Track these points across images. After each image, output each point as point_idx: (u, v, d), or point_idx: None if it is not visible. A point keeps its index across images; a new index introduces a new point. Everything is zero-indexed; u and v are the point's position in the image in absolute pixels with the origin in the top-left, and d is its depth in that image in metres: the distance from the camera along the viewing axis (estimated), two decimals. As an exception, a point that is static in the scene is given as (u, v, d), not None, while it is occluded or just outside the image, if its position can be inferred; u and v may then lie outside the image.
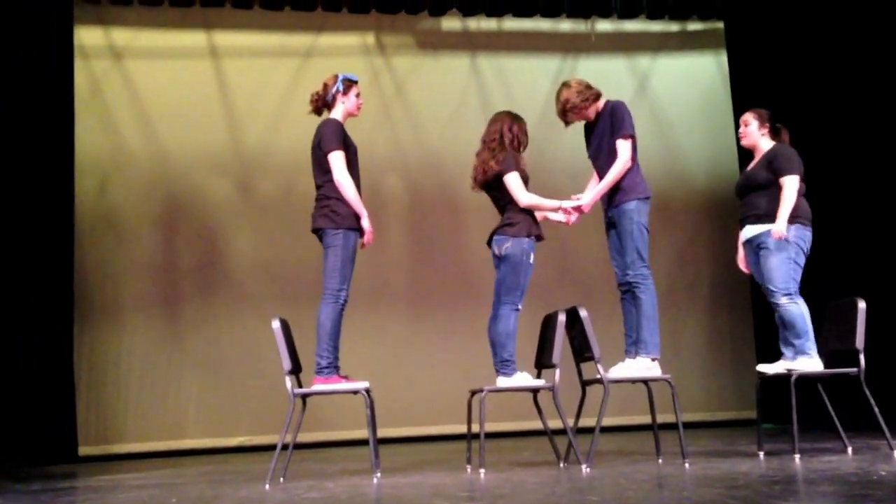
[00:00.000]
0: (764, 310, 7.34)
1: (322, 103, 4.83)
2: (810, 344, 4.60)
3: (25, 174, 6.45)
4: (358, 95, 4.84)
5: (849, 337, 4.60)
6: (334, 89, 4.79)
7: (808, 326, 4.60)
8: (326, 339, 4.54)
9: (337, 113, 4.80)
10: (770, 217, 4.68)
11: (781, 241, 4.60)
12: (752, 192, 4.82)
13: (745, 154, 7.52)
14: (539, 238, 4.69)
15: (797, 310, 4.59)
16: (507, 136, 4.72)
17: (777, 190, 4.70)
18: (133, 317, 7.07)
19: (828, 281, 6.76)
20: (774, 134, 4.93)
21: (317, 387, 4.56)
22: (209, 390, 7.12)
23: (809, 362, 4.59)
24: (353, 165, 4.72)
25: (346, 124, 4.81)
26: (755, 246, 4.77)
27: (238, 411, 7.08)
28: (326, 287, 4.61)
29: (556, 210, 4.74)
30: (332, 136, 4.65)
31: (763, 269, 4.69)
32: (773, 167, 4.74)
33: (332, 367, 4.55)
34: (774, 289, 4.61)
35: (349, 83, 4.81)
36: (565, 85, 4.91)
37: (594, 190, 4.79)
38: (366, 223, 4.68)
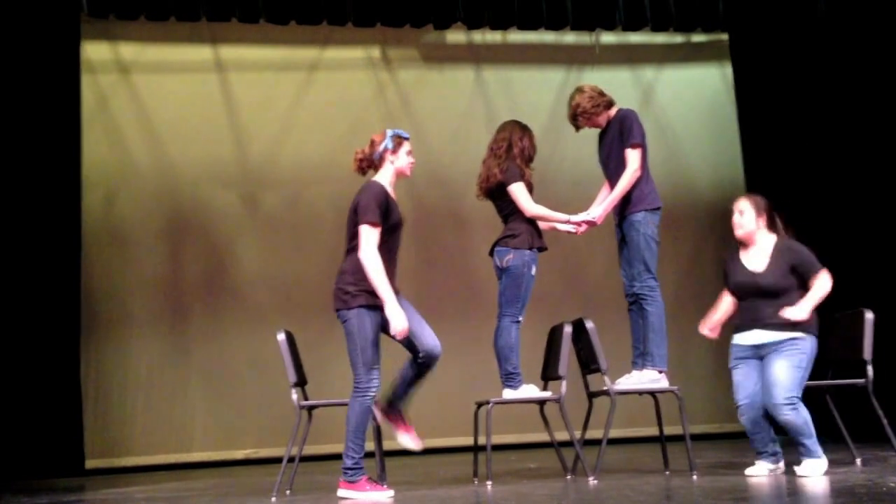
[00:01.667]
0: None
1: (368, 163, 4.31)
2: (818, 447, 4.22)
3: (33, 188, 6.48)
4: (410, 153, 4.31)
5: (856, 347, 4.59)
6: (382, 147, 4.28)
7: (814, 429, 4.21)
8: (352, 436, 4.09)
9: (385, 174, 4.29)
10: (791, 327, 4.21)
11: (798, 352, 4.20)
12: (761, 298, 4.31)
13: (751, 166, 7.58)
14: (542, 249, 4.68)
15: (801, 417, 4.17)
16: (515, 147, 4.70)
17: (795, 297, 4.26)
18: (139, 330, 7.08)
19: (834, 291, 6.76)
20: (772, 225, 4.44)
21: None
22: (215, 403, 7.12)
23: (819, 466, 4.19)
24: (394, 237, 4.22)
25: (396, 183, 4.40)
26: (759, 351, 4.31)
27: (244, 424, 7.08)
28: (354, 379, 4.13)
29: (564, 223, 4.72)
30: (371, 205, 4.07)
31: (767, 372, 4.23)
32: (800, 271, 4.29)
33: (359, 469, 4.10)
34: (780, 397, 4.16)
35: (399, 140, 4.31)
36: (578, 90, 4.92)
37: (604, 203, 4.78)
38: (389, 310, 4.06)
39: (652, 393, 4.75)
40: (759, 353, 4.31)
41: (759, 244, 4.40)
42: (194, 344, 7.17)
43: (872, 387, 4.54)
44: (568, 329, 4.54)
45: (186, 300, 7.25)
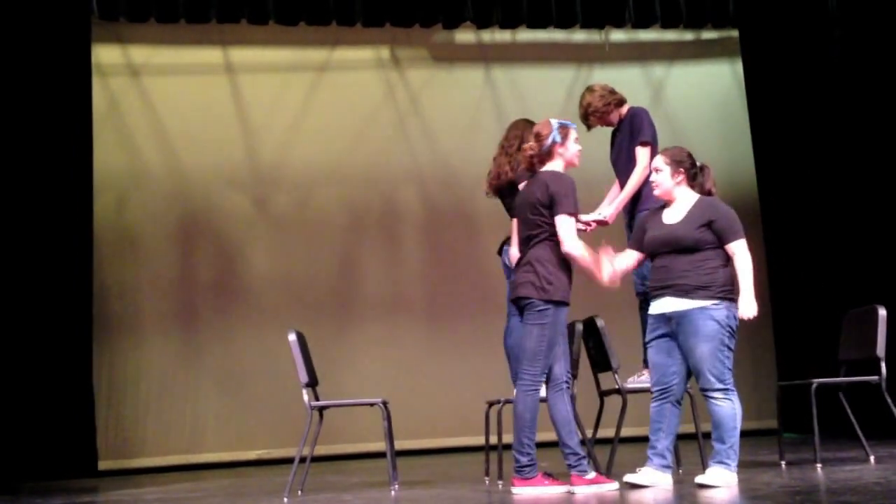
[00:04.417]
0: (783, 319, 7.32)
1: (539, 157, 4.15)
2: (732, 454, 3.91)
3: (45, 191, 6.50)
4: (577, 140, 4.20)
5: (869, 345, 4.56)
6: (550, 140, 4.13)
7: (738, 431, 3.91)
8: (527, 432, 3.97)
9: (555, 167, 4.16)
10: (703, 291, 3.94)
11: (716, 325, 3.91)
12: (672, 255, 4.03)
13: (762, 163, 7.54)
14: None
15: (731, 410, 3.90)
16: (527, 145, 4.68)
17: (709, 257, 3.98)
18: (151, 332, 7.11)
19: (845, 288, 6.72)
20: (692, 179, 4.14)
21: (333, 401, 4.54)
22: (227, 404, 7.14)
23: (722, 476, 3.87)
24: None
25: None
26: (674, 322, 4.01)
27: (256, 425, 7.09)
28: (525, 371, 3.98)
29: (578, 222, 4.70)
30: (569, 195, 4.00)
31: (690, 355, 3.96)
32: (715, 228, 3.99)
33: (533, 465, 3.97)
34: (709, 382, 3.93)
35: (566, 130, 4.17)
36: (589, 89, 4.91)
37: (615, 202, 4.76)
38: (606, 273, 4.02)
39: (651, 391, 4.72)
40: (672, 327, 3.99)
41: (680, 200, 4.11)
42: (206, 345, 7.20)
43: (886, 384, 4.50)
44: (579, 327, 4.52)
45: (198, 302, 7.27)
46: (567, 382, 4.05)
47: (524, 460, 3.94)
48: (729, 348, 3.94)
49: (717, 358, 3.91)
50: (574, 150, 4.18)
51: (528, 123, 4.78)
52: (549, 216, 4.01)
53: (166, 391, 7.05)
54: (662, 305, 4.04)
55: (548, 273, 3.97)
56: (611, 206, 4.75)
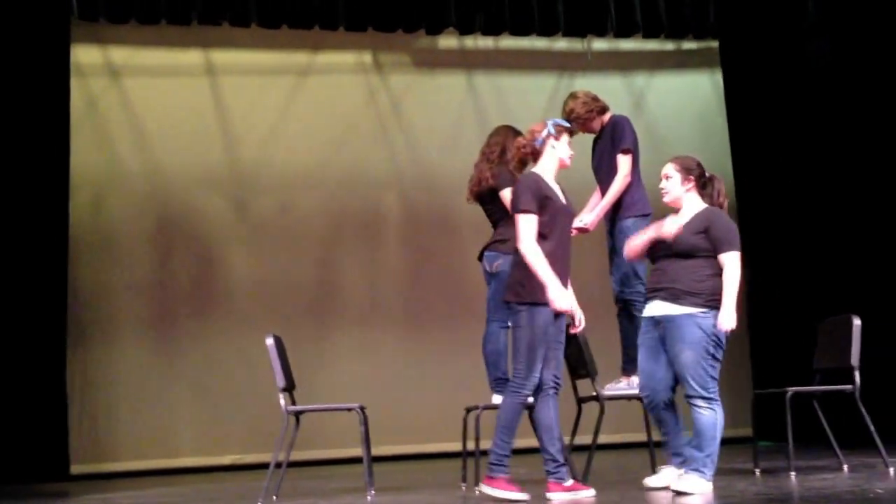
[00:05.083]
0: (759, 327, 7.37)
1: (531, 152, 4.14)
2: (710, 463, 3.91)
3: (20, 190, 6.44)
4: (570, 144, 4.19)
5: (844, 354, 4.59)
6: (545, 133, 4.11)
7: (718, 440, 3.92)
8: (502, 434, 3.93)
9: (546, 164, 4.12)
10: (691, 297, 3.97)
11: (701, 333, 3.94)
12: (668, 259, 4.08)
13: (740, 173, 7.60)
14: None
15: (712, 418, 3.93)
16: (509, 152, 4.68)
17: (702, 265, 4.01)
18: (126, 335, 7.04)
19: (821, 297, 6.78)
20: (702, 189, 4.18)
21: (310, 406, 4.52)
22: (203, 408, 7.08)
23: (696, 484, 3.87)
24: (560, 227, 4.03)
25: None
26: (662, 327, 4.06)
27: (232, 429, 7.04)
28: (514, 374, 3.95)
29: None
30: (522, 193, 3.96)
31: (675, 361, 4.00)
32: (711, 237, 4.01)
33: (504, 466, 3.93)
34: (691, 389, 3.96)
35: (561, 127, 4.17)
36: (572, 95, 4.93)
37: (596, 209, 4.77)
38: (553, 295, 3.85)
39: (641, 398, 4.73)
40: (661, 331, 4.03)
41: (687, 208, 4.14)
42: (182, 348, 7.14)
43: (860, 393, 4.54)
44: (557, 334, 4.52)
45: (174, 305, 7.21)
46: (555, 388, 4.03)
47: (492, 458, 3.94)
48: (714, 357, 3.96)
49: (700, 366, 3.93)
50: (567, 150, 4.17)
51: (511, 130, 4.79)
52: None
53: (141, 394, 6.98)
54: (653, 308, 4.08)
55: (521, 275, 3.96)
56: (592, 213, 4.77)
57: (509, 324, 4.54)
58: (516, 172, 4.30)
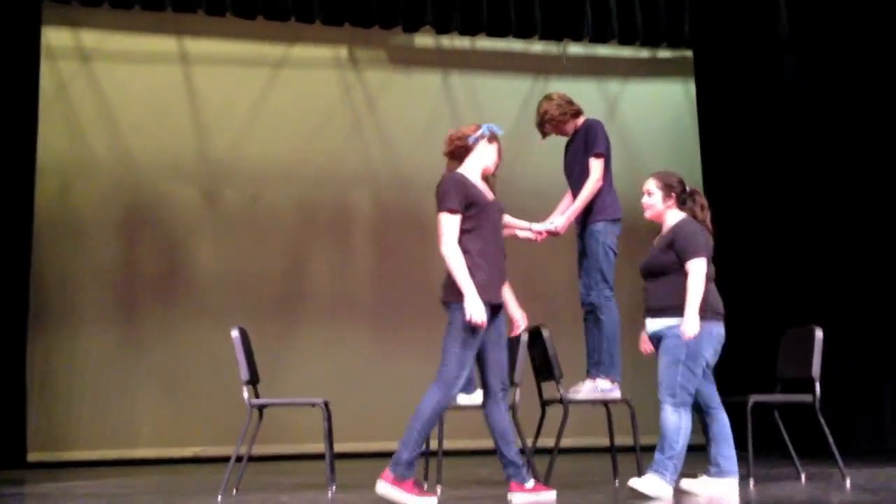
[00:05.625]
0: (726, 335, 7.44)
1: (461, 145, 4.04)
2: (670, 465, 3.95)
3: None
4: (499, 153, 4.12)
5: (806, 365, 4.65)
6: (479, 133, 4.04)
7: (681, 444, 3.97)
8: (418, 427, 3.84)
9: (472, 164, 4.03)
10: (669, 310, 4.04)
11: (677, 340, 3.99)
12: (650, 279, 4.17)
13: (710, 181, 7.67)
14: None
15: (676, 422, 4.00)
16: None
17: (675, 279, 4.06)
18: (90, 323, 6.96)
19: (785, 306, 6.88)
20: (682, 204, 4.23)
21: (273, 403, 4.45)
22: (165, 399, 7.01)
23: (654, 485, 3.93)
24: (490, 223, 3.94)
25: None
26: (655, 341, 4.19)
27: (194, 421, 6.98)
28: (440, 371, 3.86)
29: (525, 230, 4.71)
30: (449, 191, 3.85)
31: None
32: (676, 249, 4.08)
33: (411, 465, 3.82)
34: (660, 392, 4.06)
35: (494, 136, 4.09)
36: (547, 97, 4.94)
37: (567, 212, 4.78)
38: (469, 306, 3.76)
39: (605, 403, 4.76)
40: (656, 344, 4.16)
41: (667, 223, 4.21)
42: (146, 338, 7.06)
43: (820, 404, 4.61)
44: (524, 336, 4.54)
45: (140, 294, 7.14)
46: (503, 392, 4.03)
47: (407, 456, 3.80)
48: (686, 366, 3.98)
49: (671, 371, 4.00)
50: (493, 157, 4.07)
51: None
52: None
53: (102, 384, 6.89)
54: (647, 326, 4.18)
55: (449, 275, 3.89)
56: (562, 216, 4.78)
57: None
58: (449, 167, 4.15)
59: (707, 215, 4.24)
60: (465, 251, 3.88)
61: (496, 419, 3.98)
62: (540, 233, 4.68)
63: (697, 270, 3.99)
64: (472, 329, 3.82)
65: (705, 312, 3.99)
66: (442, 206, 3.88)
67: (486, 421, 4.01)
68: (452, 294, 3.87)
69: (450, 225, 3.86)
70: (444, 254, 3.86)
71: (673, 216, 4.20)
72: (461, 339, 3.84)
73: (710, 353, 4.05)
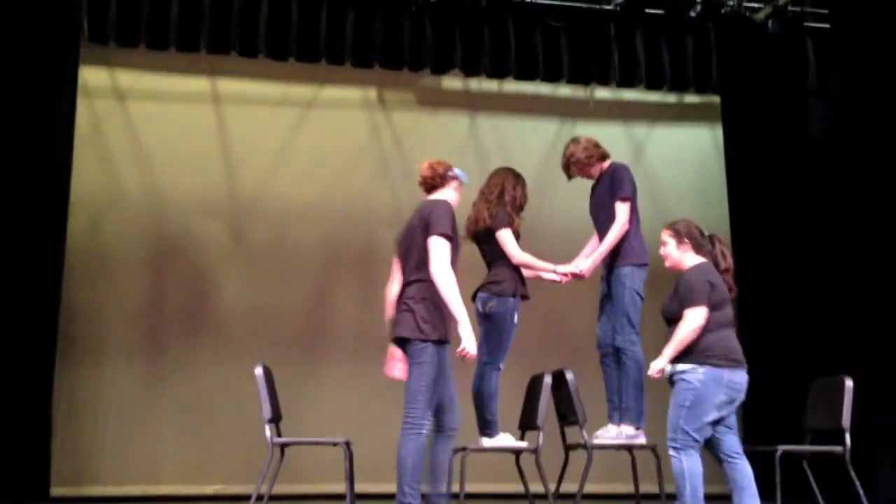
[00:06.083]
0: (751, 381, 7.33)
1: (435, 178, 4.14)
2: None
3: (19, 207, 6.43)
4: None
5: (835, 415, 4.58)
6: (449, 173, 4.16)
7: (688, 488, 3.97)
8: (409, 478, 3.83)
9: (450, 198, 4.13)
10: (681, 356, 4.07)
11: (685, 384, 4.03)
12: (669, 327, 4.21)
13: (738, 227, 7.63)
14: (524, 298, 4.66)
15: (678, 466, 4.00)
16: (507, 194, 4.71)
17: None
18: (115, 357, 7.00)
19: (815, 355, 6.78)
20: (699, 249, 4.27)
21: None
22: (188, 436, 7.01)
23: None
24: (456, 258, 4.01)
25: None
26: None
27: (216, 458, 6.96)
28: (406, 413, 3.85)
29: (550, 272, 4.71)
30: (445, 217, 3.89)
31: None
32: (680, 297, 4.14)
33: None
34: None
35: (459, 181, 4.21)
36: (574, 140, 4.99)
37: (593, 255, 4.78)
38: (465, 334, 3.82)
39: (629, 448, 4.71)
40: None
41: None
42: (170, 374, 7.09)
43: (850, 455, 4.52)
44: (548, 379, 4.52)
45: (166, 330, 7.18)
46: (455, 430, 3.96)
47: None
48: (689, 410, 3.97)
49: (674, 414, 4.02)
50: (454, 197, 4.13)
51: (511, 172, 4.82)
52: (423, 242, 3.91)
53: (126, 419, 6.91)
54: (666, 369, 4.14)
55: (424, 311, 3.86)
56: (587, 259, 4.78)
57: (500, 366, 4.53)
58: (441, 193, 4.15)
59: (729, 262, 4.25)
60: (426, 291, 3.88)
61: (442, 457, 3.90)
62: (565, 274, 4.69)
63: (689, 320, 4.03)
64: (439, 365, 3.77)
65: (715, 359, 4.01)
66: (437, 229, 3.87)
67: (398, 451, 3.86)
68: (415, 330, 3.81)
69: (443, 249, 3.86)
70: (437, 276, 3.82)
71: (688, 261, 4.22)
72: (429, 377, 3.80)
73: (722, 400, 4.02)
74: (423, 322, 3.83)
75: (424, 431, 3.82)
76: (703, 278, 4.09)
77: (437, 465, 3.91)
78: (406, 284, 3.96)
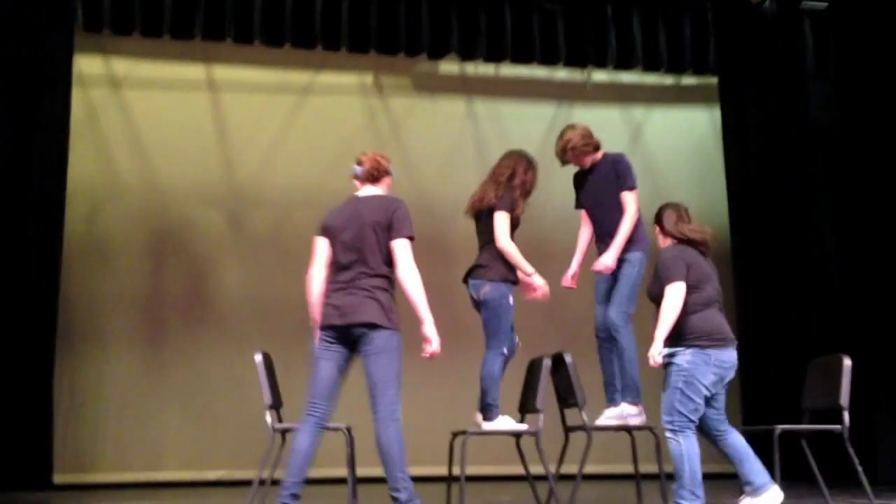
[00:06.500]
0: (749, 362, 7.36)
1: (380, 170, 4.14)
2: (685, 493, 4.00)
3: (16, 197, 6.43)
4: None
5: (833, 394, 4.59)
6: (390, 170, 4.17)
7: (687, 469, 4.00)
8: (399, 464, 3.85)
9: (384, 191, 4.16)
10: (669, 339, 4.10)
11: (675, 367, 4.07)
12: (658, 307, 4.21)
13: (736, 209, 7.64)
14: (514, 283, 4.64)
15: (677, 448, 4.04)
16: (518, 178, 4.69)
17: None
18: (116, 346, 7.02)
19: (813, 334, 6.80)
20: (666, 231, 4.34)
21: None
22: (189, 422, 7.04)
23: None
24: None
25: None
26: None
27: (218, 445, 7.00)
28: (381, 401, 3.90)
29: (527, 276, 4.65)
30: (409, 219, 3.96)
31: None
32: (661, 278, 4.16)
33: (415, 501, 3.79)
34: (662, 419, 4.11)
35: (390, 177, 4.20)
36: (570, 126, 4.98)
37: (612, 248, 4.74)
38: (431, 333, 4.00)
39: (628, 430, 4.73)
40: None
41: None
42: (171, 362, 7.11)
43: (849, 433, 4.54)
44: (547, 362, 4.53)
45: (166, 318, 7.19)
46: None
47: (404, 497, 3.76)
48: (683, 393, 4.01)
49: (669, 397, 4.05)
50: (387, 192, 4.14)
51: (524, 157, 4.81)
52: (386, 240, 3.90)
53: (128, 406, 6.94)
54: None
55: (389, 302, 3.91)
56: (610, 253, 4.75)
57: (503, 350, 4.54)
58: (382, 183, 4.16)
59: (689, 226, 4.25)
60: (390, 282, 3.92)
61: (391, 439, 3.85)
62: (534, 288, 4.69)
63: (670, 295, 4.06)
64: (401, 354, 3.87)
65: (700, 340, 4.05)
66: (406, 232, 3.92)
67: (378, 441, 3.86)
68: (385, 319, 3.85)
69: (411, 252, 3.91)
70: (409, 279, 3.90)
71: (661, 244, 4.33)
72: (399, 364, 3.87)
73: (712, 380, 4.06)
74: (390, 311, 3.88)
75: (399, 416, 3.84)
76: (676, 255, 4.15)
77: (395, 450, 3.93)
78: (367, 275, 3.96)
